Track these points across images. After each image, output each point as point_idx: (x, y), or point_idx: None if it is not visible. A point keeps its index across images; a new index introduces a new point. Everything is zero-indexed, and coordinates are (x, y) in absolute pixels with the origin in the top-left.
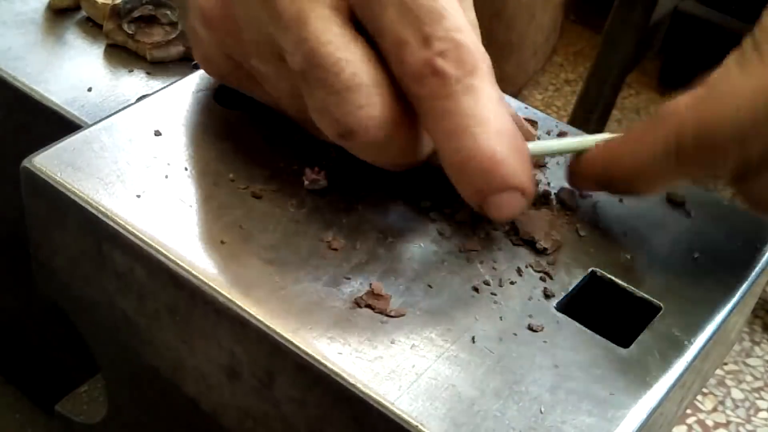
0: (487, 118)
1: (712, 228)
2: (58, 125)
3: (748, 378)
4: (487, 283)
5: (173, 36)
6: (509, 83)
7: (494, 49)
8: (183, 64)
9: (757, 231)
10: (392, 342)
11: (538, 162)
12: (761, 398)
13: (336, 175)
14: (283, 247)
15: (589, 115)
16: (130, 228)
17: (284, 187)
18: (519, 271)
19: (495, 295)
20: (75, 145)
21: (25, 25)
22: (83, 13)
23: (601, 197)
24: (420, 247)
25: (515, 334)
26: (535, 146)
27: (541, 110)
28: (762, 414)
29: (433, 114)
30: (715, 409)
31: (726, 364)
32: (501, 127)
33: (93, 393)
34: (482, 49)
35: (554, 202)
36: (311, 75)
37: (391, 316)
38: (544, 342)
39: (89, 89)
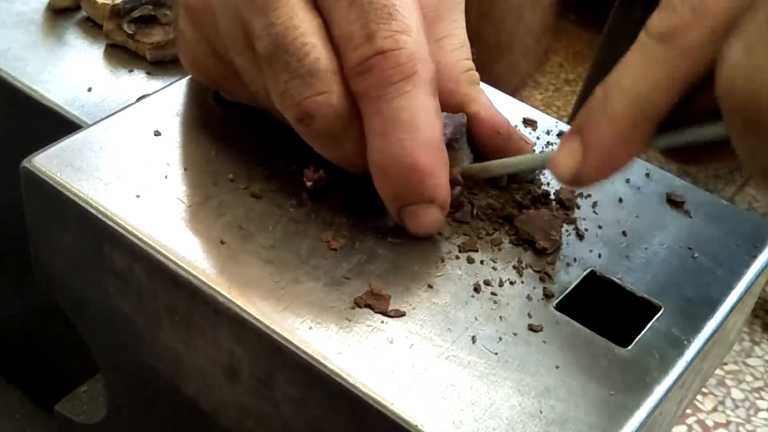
0: (416, 126)
1: (712, 228)
2: (58, 125)
3: (748, 378)
4: (487, 283)
5: (173, 36)
6: (501, 84)
7: (484, 51)
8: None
9: (757, 231)
10: (392, 342)
11: (500, 181)
12: (761, 398)
13: (336, 175)
14: (283, 246)
15: None
16: (129, 228)
17: (284, 187)
18: (519, 271)
19: (495, 295)
20: (75, 145)
21: (25, 25)
22: (83, 13)
23: (601, 197)
24: (420, 247)
25: (515, 334)
26: (495, 164)
27: (541, 110)
28: (762, 414)
29: (366, 111)
30: (715, 409)
31: (726, 364)
32: (428, 138)
33: (93, 393)
34: (426, 55)
35: (554, 203)
36: (276, 58)
37: (391, 316)
38: (544, 342)
39: (89, 89)
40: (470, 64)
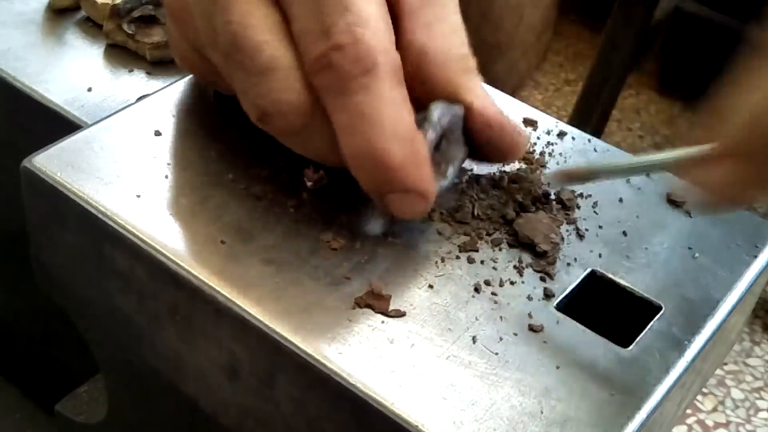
0: (379, 119)
1: (713, 228)
2: (58, 125)
3: (748, 378)
4: (487, 283)
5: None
6: (500, 84)
7: (483, 51)
8: None
9: (757, 231)
10: (392, 342)
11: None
12: (761, 398)
13: (336, 175)
14: (283, 247)
15: (589, 115)
16: (130, 228)
17: (284, 187)
18: (519, 271)
19: (495, 295)
20: (75, 145)
21: (25, 25)
22: (83, 13)
23: (601, 197)
24: (420, 247)
25: (515, 334)
26: (604, 166)
27: (541, 110)
28: (762, 414)
29: (329, 107)
30: (715, 409)
31: (726, 364)
32: (394, 131)
33: (93, 393)
34: (386, 46)
35: (554, 203)
36: (232, 57)
37: (391, 316)
38: (545, 342)
39: (89, 89)
40: (464, 50)
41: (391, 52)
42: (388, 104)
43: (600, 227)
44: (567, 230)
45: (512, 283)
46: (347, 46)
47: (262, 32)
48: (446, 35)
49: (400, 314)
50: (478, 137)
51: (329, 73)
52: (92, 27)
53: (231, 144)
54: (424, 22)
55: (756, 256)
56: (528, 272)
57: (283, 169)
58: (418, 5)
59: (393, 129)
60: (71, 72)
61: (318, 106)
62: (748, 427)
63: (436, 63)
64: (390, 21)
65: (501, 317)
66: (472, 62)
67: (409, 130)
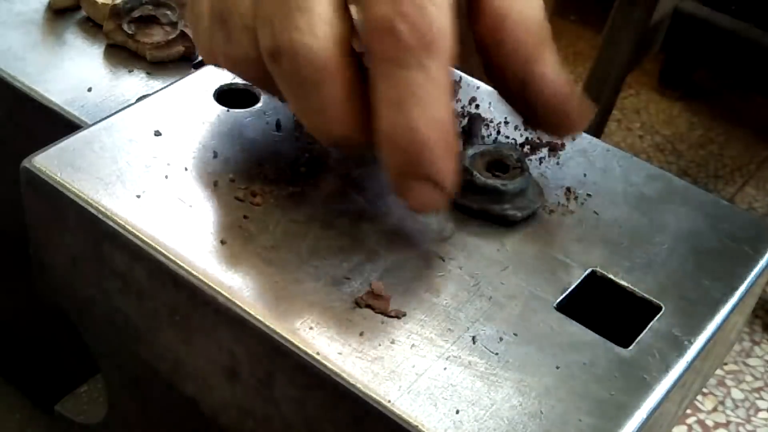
0: (428, 102)
1: (712, 228)
2: (58, 125)
3: (748, 378)
4: (487, 283)
5: (173, 36)
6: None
7: (467, 49)
8: (183, 64)
9: (757, 231)
10: (392, 342)
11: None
12: (761, 398)
13: (336, 175)
14: (283, 247)
15: None
16: (130, 228)
17: (284, 187)
18: (519, 271)
19: (496, 293)
20: (75, 145)
21: (25, 25)
22: (83, 13)
23: (601, 197)
24: (420, 247)
25: (516, 334)
26: None
27: None
28: (762, 414)
29: (379, 74)
30: (715, 409)
31: (726, 364)
32: (438, 116)
33: (93, 393)
34: (449, 27)
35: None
36: None
37: (392, 316)
38: (545, 342)
39: (89, 89)
40: (541, 18)
41: (452, 40)
42: (438, 87)
43: (600, 227)
44: (567, 230)
45: (513, 283)
46: (414, 17)
47: None
48: (527, 1)
49: (400, 314)
50: (546, 106)
51: (389, 40)
52: (92, 27)
53: (231, 144)
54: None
55: (756, 256)
56: (528, 272)
57: (284, 169)
58: None
59: (435, 115)
60: (71, 72)
61: (339, 68)
62: (748, 427)
63: (515, 29)
64: (456, 8)
65: (501, 317)
66: (547, 32)
67: (449, 119)
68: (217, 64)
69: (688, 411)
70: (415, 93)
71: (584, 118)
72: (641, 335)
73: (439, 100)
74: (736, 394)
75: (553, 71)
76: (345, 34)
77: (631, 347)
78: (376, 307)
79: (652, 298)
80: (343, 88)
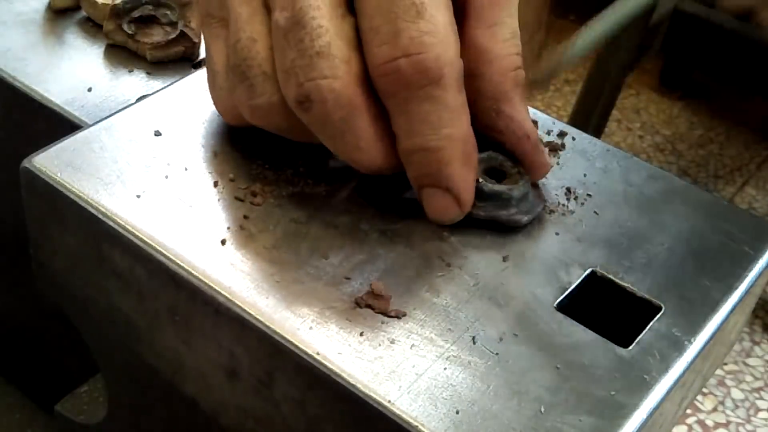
0: (441, 125)
1: (712, 228)
2: (58, 125)
3: (748, 378)
4: (487, 284)
5: (173, 36)
6: None
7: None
8: (183, 64)
9: (757, 231)
10: (392, 342)
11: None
12: (761, 398)
13: (336, 176)
14: (284, 247)
15: (589, 115)
16: (130, 228)
17: (284, 187)
18: (519, 273)
19: (496, 293)
20: (75, 145)
21: (26, 25)
22: (83, 13)
23: (601, 198)
24: (420, 248)
25: (515, 335)
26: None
27: (541, 110)
28: (762, 414)
29: (391, 109)
30: (715, 409)
31: (726, 364)
32: (452, 133)
33: (93, 393)
34: (452, 56)
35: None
36: (292, 33)
37: (392, 316)
38: (545, 342)
39: (89, 89)
40: (518, 61)
41: (457, 62)
42: (450, 111)
43: (600, 228)
44: (567, 231)
45: (513, 284)
46: (417, 56)
47: (325, 18)
48: (506, 40)
49: (400, 314)
50: (511, 148)
51: (395, 78)
52: (92, 27)
53: (231, 144)
54: (489, 23)
55: (756, 256)
56: (528, 273)
57: (284, 169)
58: (484, 4)
59: (450, 132)
60: (71, 72)
61: (361, 104)
62: (748, 427)
63: (492, 66)
64: (456, 26)
65: (501, 318)
66: (522, 75)
67: (465, 134)
68: (236, 121)
69: (688, 411)
70: (425, 120)
71: (544, 167)
72: (641, 335)
73: (451, 120)
74: (736, 394)
75: (519, 115)
76: (362, 70)
77: (631, 347)
78: (376, 307)
79: (652, 299)
80: (372, 121)
